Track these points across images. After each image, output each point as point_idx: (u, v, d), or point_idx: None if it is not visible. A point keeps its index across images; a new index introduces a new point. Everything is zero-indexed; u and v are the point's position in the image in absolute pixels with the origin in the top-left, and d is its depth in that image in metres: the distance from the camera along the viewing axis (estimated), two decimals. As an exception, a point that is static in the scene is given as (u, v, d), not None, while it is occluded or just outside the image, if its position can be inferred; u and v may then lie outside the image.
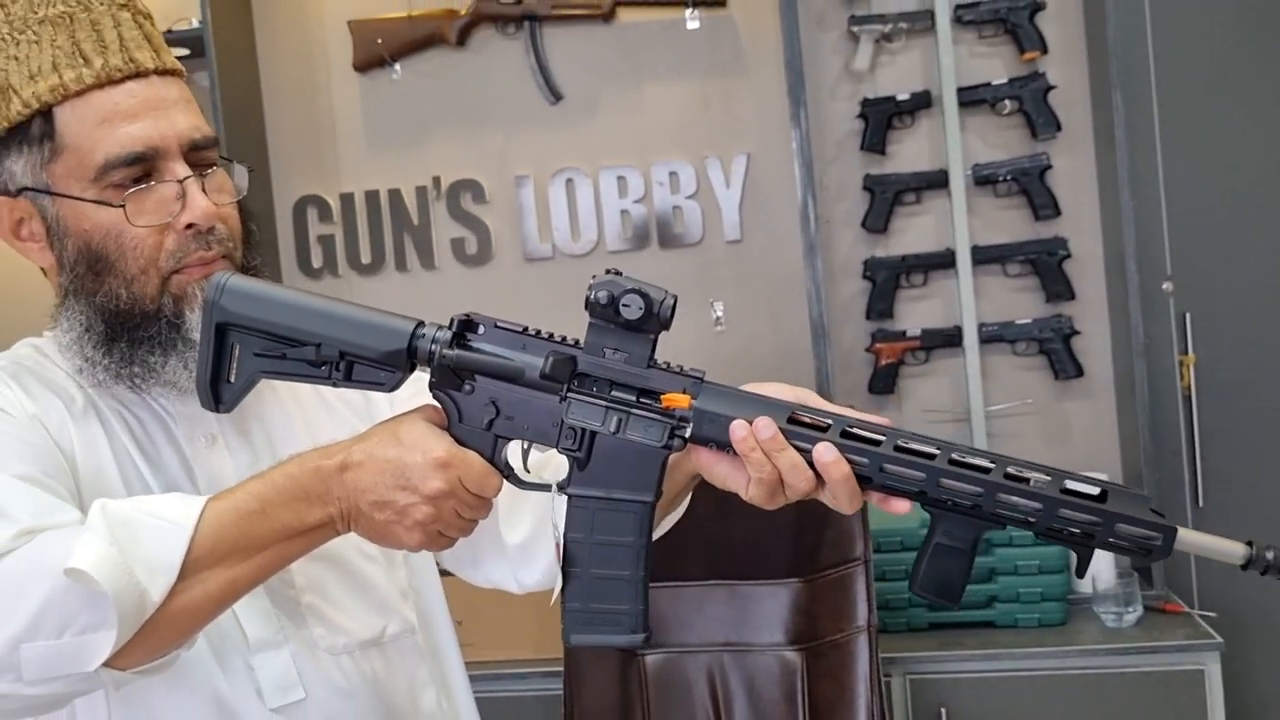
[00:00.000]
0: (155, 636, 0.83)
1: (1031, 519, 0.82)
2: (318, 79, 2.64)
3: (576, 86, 2.56)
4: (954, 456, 0.82)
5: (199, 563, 0.84)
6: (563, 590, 0.90)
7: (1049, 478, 0.82)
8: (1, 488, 0.86)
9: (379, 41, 2.57)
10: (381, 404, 1.11)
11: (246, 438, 1.05)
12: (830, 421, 0.84)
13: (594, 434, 0.87)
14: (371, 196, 2.63)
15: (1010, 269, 2.41)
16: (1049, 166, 2.36)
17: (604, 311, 0.85)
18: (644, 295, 0.84)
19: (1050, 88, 2.35)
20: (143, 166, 0.95)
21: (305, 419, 1.09)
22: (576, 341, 0.89)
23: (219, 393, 0.91)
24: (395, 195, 2.62)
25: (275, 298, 0.89)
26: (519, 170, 2.59)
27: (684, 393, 0.85)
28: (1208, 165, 2.38)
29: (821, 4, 2.47)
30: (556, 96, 2.56)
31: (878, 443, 0.83)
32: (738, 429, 0.84)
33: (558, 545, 0.90)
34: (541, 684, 2.15)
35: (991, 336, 2.41)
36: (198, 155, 0.98)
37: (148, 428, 1.01)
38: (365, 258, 2.64)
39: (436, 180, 2.61)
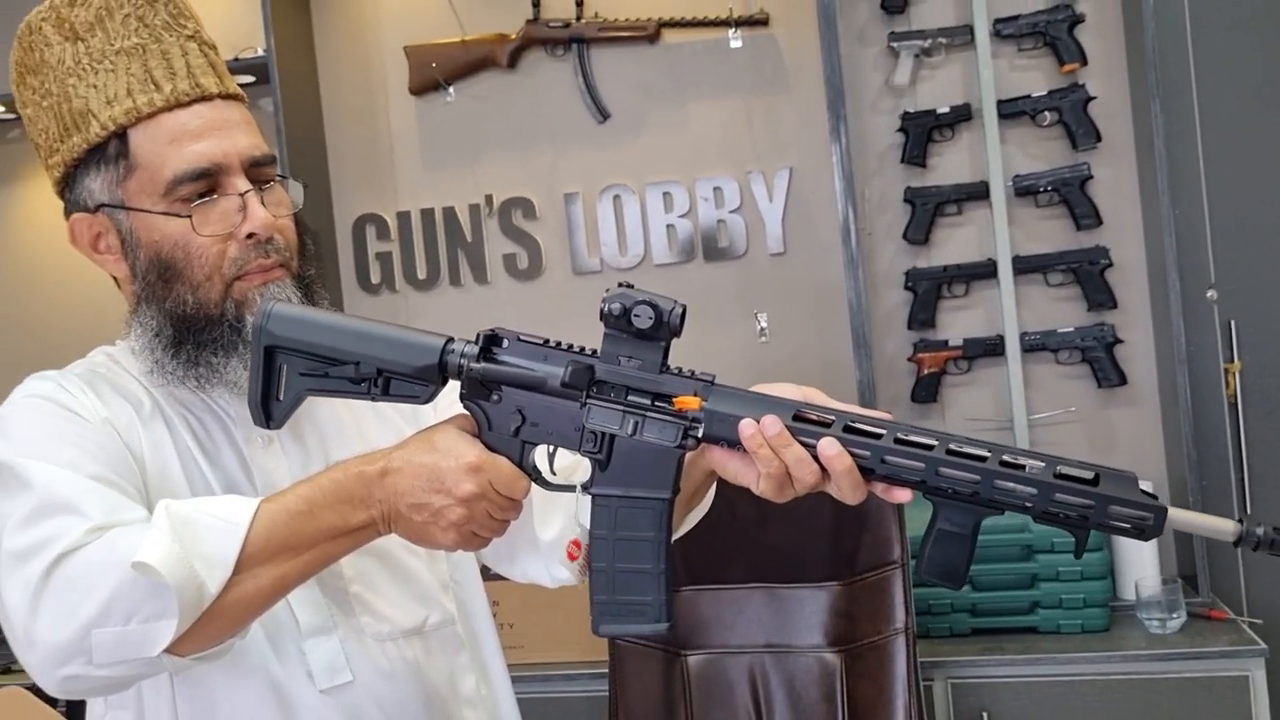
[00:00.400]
0: (212, 626, 0.91)
1: (1028, 504, 0.86)
2: (376, 103, 2.75)
3: (623, 106, 2.64)
4: (951, 447, 0.87)
5: (252, 559, 0.91)
6: (590, 584, 0.96)
7: (1043, 464, 0.85)
8: (76, 487, 0.94)
9: (434, 66, 2.67)
10: (426, 411, 1.17)
11: (300, 441, 1.13)
12: (833, 418, 0.89)
13: (613, 437, 0.93)
14: (427, 214, 2.73)
15: (1052, 278, 2.44)
16: (1090, 176, 2.39)
17: (617, 322, 0.92)
18: (654, 306, 0.90)
19: (1090, 99, 2.38)
20: (207, 182, 1.04)
21: (356, 423, 1.17)
22: (594, 351, 0.94)
23: (269, 410, 0.98)
24: (450, 213, 2.72)
25: (316, 321, 0.97)
26: (568, 187, 2.67)
27: (695, 395, 0.91)
28: (1251, 173, 2.39)
29: (862, 21, 2.52)
30: (604, 116, 2.64)
31: (879, 436, 0.88)
32: (746, 427, 0.89)
33: (578, 543, 0.97)
34: (588, 685, 2.21)
35: (1034, 345, 2.43)
36: (257, 171, 1.07)
37: (209, 429, 1.10)
38: (421, 273, 2.73)
39: (489, 198, 2.71)
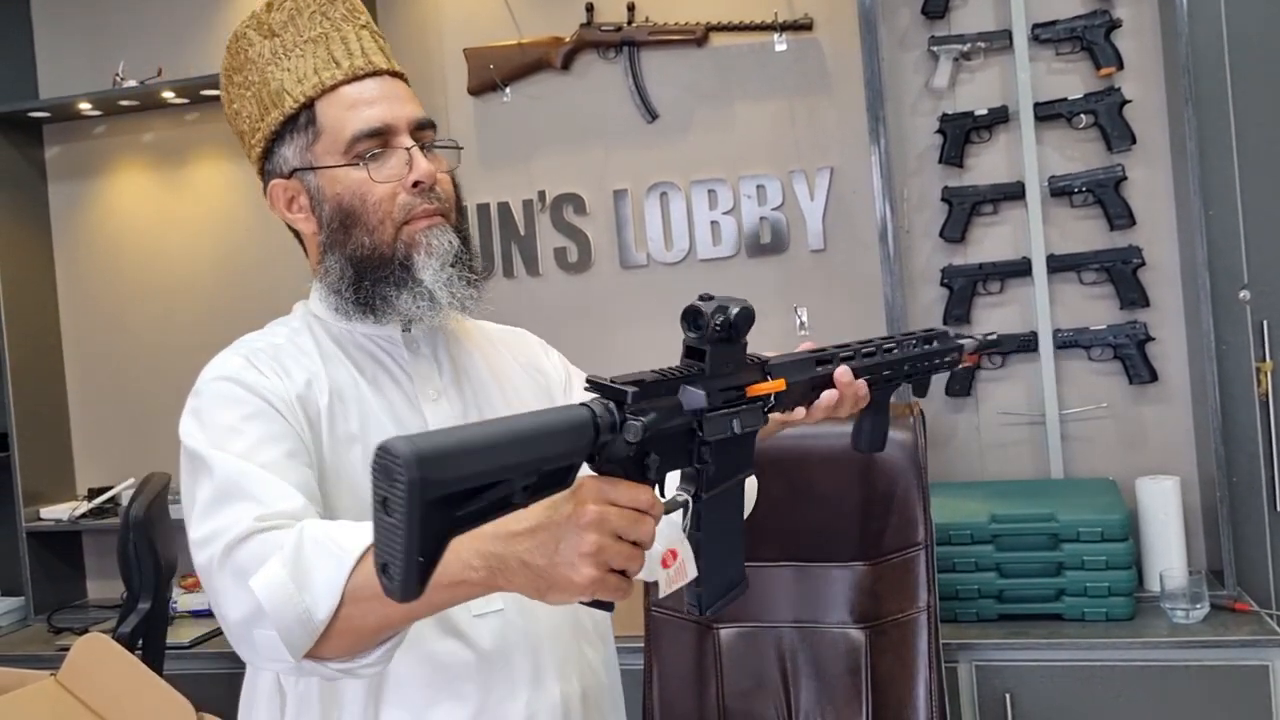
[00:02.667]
0: (339, 644, 0.99)
1: (906, 368, 1.19)
2: (436, 102, 2.88)
3: (672, 106, 2.75)
4: (883, 347, 1.17)
5: (359, 591, 0.96)
6: (696, 582, 0.97)
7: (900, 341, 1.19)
8: (247, 477, 1.07)
9: (491, 67, 2.81)
10: (555, 375, 1.37)
11: (460, 394, 1.26)
12: (834, 353, 1.13)
13: (722, 441, 0.96)
14: (483, 209, 2.85)
15: (1085, 277, 2.50)
16: (1124, 178, 2.44)
17: (701, 333, 0.94)
18: (727, 311, 0.95)
19: (1125, 102, 2.44)
20: (380, 140, 1.18)
21: (498, 379, 1.30)
22: (688, 369, 0.94)
23: (425, 575, 0.78)
24: (504, 207, 2.84)
25: (465, 444, 0.78)
26: (617, 184, 2.79)
27: (768, 377, 1.02)
28: (1286, 176, 2.43)
29: (903, 25, 2.60)
30: (653, 115, 2.75)
31: (851, 358, 1.14)
32: (842, 375, 1.11)
33: (674, 551, 0.98)
34: (625, 658, 2.29)
35: (1067, 342, 2.50)
36: (420, 134, 1.21)
37: (382, 386, 1.21)
38: (475, 264, 2.85)
39: (541, 194, 2.83)
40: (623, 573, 0.89)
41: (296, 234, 1.27)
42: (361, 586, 0.96)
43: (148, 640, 2.20)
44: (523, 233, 2.84)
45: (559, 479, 0.85)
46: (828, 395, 1.11)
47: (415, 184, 1.18)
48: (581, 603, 0.90)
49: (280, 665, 1.01)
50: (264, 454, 1.09)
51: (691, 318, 0.95)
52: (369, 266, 1.18)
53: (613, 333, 2.80)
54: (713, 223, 2.73)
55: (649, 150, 2.76)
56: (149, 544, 2.14)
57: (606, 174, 2.80)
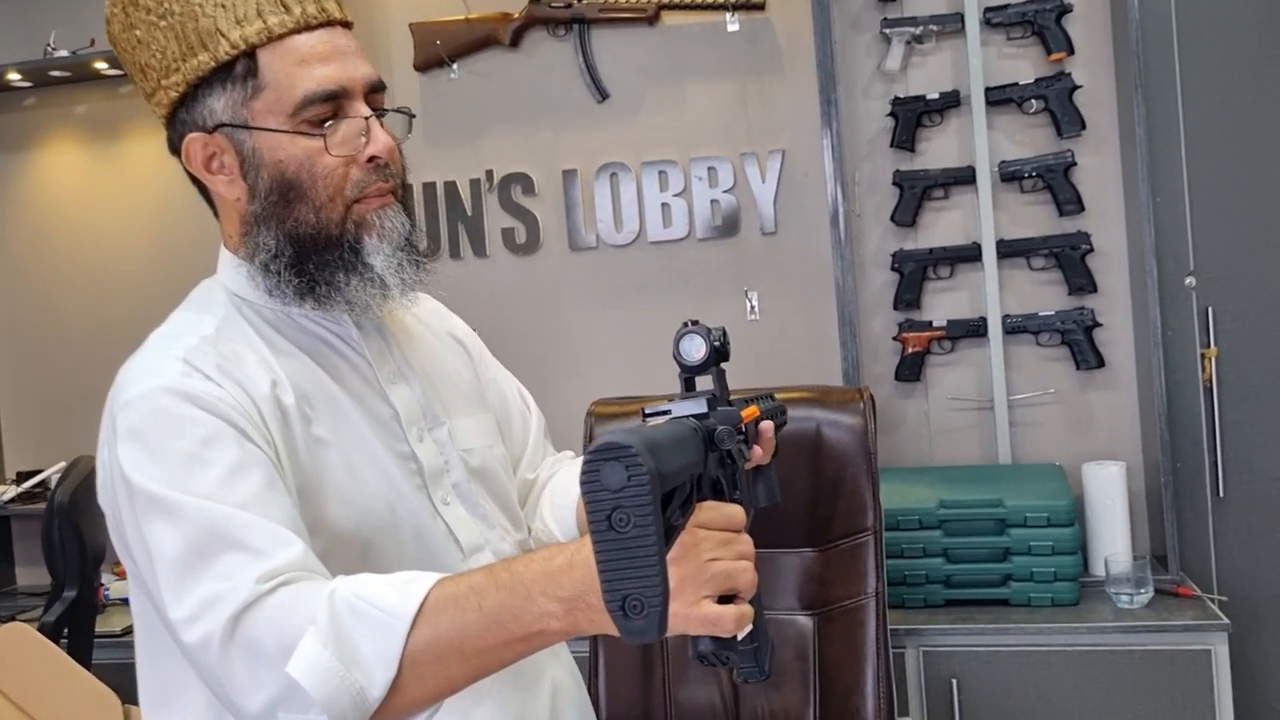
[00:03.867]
0: (388, 715, 0.89)
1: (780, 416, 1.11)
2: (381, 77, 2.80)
3: (622, 85, 2.70)
4: (770, 402, 1.09)
5: (417, 659, 0.87)
6: (750, 638, 0.88)
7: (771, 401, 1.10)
8: (235, 523, 0.92)
9: (438, 43, 2.74)
10: (471, 345, 1.31)
11: (413, 372, 1.18)
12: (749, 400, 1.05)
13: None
14: (429, 188, 2.79)
15: (1034, 262, 2.50)
16: (1073, 163, 2.44)
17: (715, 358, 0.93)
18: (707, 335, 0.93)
19: (1075, 87, 2.43)
20: (334, 105, 1.05)
21: (432, 351, 1.24)
22: (715, 394, 0.92)
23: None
24: (451, 187, 2.79)
25: (655, 439, 0.73)
26: (566, 164, 2.74)
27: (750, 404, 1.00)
28: (1232, 163, 2.44)
29: (856, 7, 2.58)
30: (603, 95, 2.71)
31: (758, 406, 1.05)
32: (766, 429, 1.04)
33: None
34: (571, 647, 2.27)
35: (1015, 327, 2.49)
36: (373, 98, 1.09)
37: (341, 372, 1.12)
38: (421, 245, 2.79)
39: (489, 173, 2.77)
40: (732, 599, 0.82)
41: (204, 193, 1.14)
42: (419, 654, 0.88)
43: (75, 629, 2.13)
44: (470, 213, 2.79)
45: (691, 494, 0.79)
46: (766, 427, 1.04)
47: (371, 159, 1.07)
48: (697, 655, 0.82)
49: None
50: (240, 489, 0.94)
51: (693, 337, 0.92)
52: (313, 247, 1.06)
53: (561, 316, 2.76)
54: (663, 204, 2.69)
55: (599, 130, 2.72)
56: (74, 530, 2.07)
57: (556, 154, 2.75)
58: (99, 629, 2.32)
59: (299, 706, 0.88)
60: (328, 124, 1.05)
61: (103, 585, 2.53)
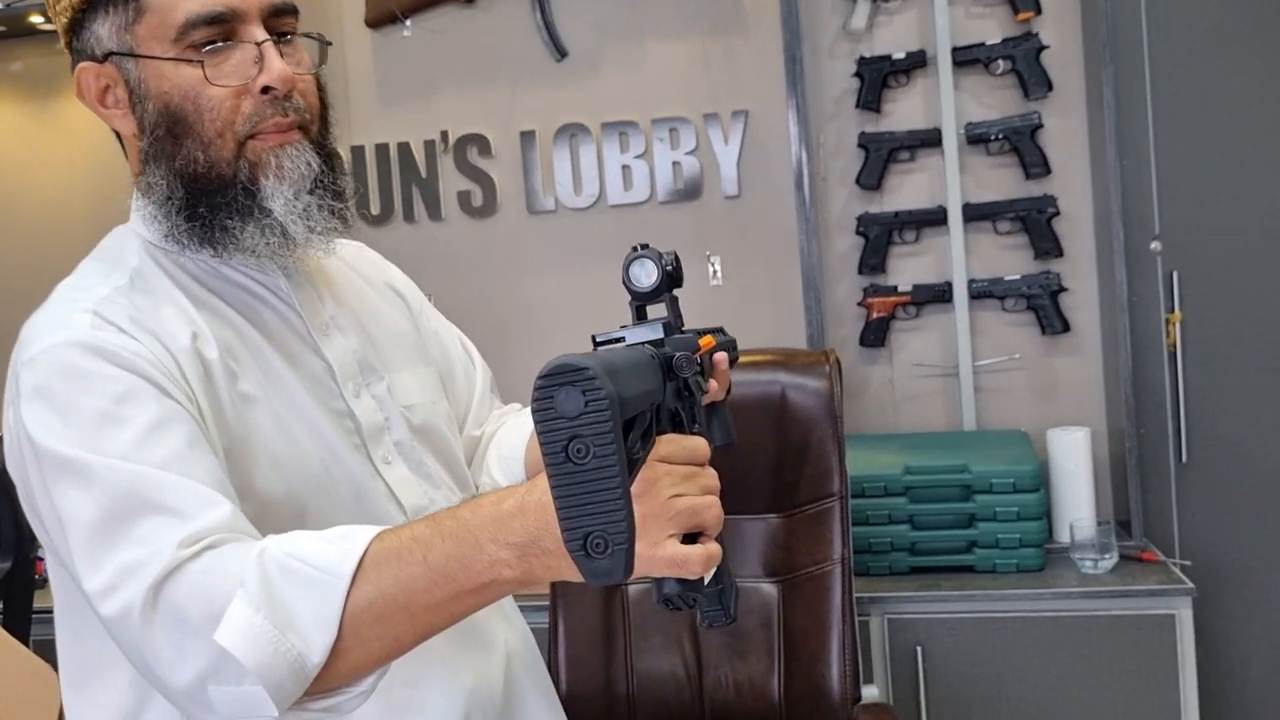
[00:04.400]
0: (330, 682, 0.83)
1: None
2: (330, 34, 2.70)
3: (581, 44, 2.63)
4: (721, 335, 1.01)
5: (359, 618, 0.81)
6: (715, 580, 0.84)
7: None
8: (154, 484, 0.85)
9: (391, -2, 2.65)
10: (411, 298, 1.23)
11: (347, 322, 1.11)
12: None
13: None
14: (381, 149, 2.71)
15: (1000, 226, 2.46)
16: (1040, 126, 2.41)
17: (668, 284, 0.88)
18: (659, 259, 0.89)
19: (1043, 48, 2.39)
20: (223, 29, 0.97)
21: (367, 299, 1.17)
22: (670, 322, 0.88)
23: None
24: (404, 148, 2.70)
25: (612, 363, 0.68)
26: (524, 125, 2.66)
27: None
28: (1198, 127, 2.42)
29: (821, -35, 2.52)
30: (562, 54, 2.63)
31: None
32: (721, 361, 0.98)
33: None
34: (530, 617, 2.22)
35: (981, 292, 2.46)
36: (277, 22, 1.00)
37: (267, 323, 1.03)
38: (375, 209, 2.72)
39: (444, 134, 2.69)
40: (696, 539, 0.77)
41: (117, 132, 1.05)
42: (361, 613, 0.81)
43: (10, 604, 2.04)
44: (424, 175, 2.71)
45: (651, 425, 0.74)
46: (721, 358, 0.99)
47: (265, 90, 0.98)
48: (662, 599, 0.77)
49: None
50: (159, 448, 0.87)
51: (644, 262, 0.86)
52: (204, 189, 0.98)
53: (519, 281, 2.69)
54: (624, 167, 2.63)
55: (557, 90, 2.64)
56: (8, 499, 1.98)
57: (513, 115, 2.67)
58: (37, 604, 2.23)
59: (231, 677, 0.81)
60: (208, 48, 0.97)
61: (40, 559, 2.44)
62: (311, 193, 1.00)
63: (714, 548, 0.77)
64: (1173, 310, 2.43)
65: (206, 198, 0.98)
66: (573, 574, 0.75)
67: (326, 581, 0.81)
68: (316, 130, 1.03)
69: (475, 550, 0.80)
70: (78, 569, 0.86)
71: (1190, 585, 2.10)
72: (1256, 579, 2.44)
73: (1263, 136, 2.40)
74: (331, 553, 0.83)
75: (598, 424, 0.59)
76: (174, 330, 0.96)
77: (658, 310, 0.89)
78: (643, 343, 0.81)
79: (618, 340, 0.82)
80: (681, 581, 0.76)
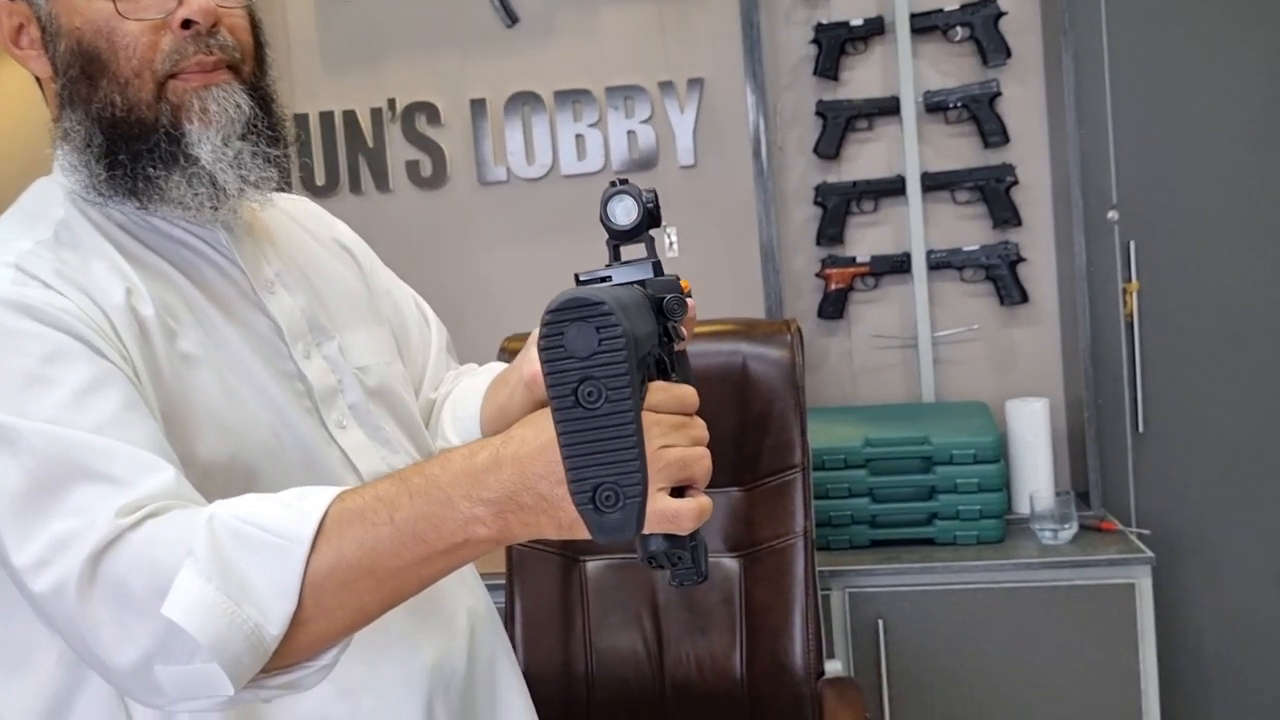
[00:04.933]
0: (290, 657, 0.78)
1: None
2: (272, -2, 2.62)
3: (532, 9, 2.56)
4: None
5: (321, 585, 0.75)
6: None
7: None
8: (88, 449, 0.79)
9: (334, -39, 2.56)
10: (361, 255, 1.17)
11: (293, 279, 1.04)
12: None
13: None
14: (326, 118, 2.62)
15: (959, 196, 2.44)
16: (998, 93, 2.38)
17: (648, 222, 0.82)
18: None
19: (1001, 14, 2.37)
20: None
21: (313, 255, 1.10)
22: (656, 261, 0.83)
23: None
24: (350, 116, 2.62)
25: (629, 300, 0.68)
26: (474, 93, 2.59)
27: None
28: (1155, 95, 2.41)
29: (778, -71, 2.47)
30: (513, 19, 2.56)
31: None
32: (693, 307, 0.87)
33: None
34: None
35: (939, 263, 2.44)
36: None
37: (209, 281, 0.97)
38: (320, 179, 2.63)
39: (391, 102, 2.61)
40: (683, 492, 0.72)
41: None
42: (323, 580, 0.75)
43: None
44: (371, 145, 2.62)
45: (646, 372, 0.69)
46: (693, 305, 0.91)
47: (186, 24, 0.90)
48: (647, 556, 0.72)
49: (202, 703, 0.77)
50: (92, 410, 0.80)
51: (623, 198, 0.80)
52: (124, 134, 0.91)
53: (471, 253, 2.62)
54: (577, 136, 2.57)
55: (509, 57, 2.57)
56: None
57: (463, 82, 2.59)
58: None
59: (180, 655, 0.75)
60: None
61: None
62: (243, 138, 0.93)
63: (705, 501, 0.73)
64: (1130, 280, 2.42)
65: (127, 144, 0.91)
66: (553, 530, 0.72)
67: (284, 547, 0.75)
68: (249, 70, 0.96)
69: (447, 508, 0.75)
70: (4, 543, 0.79)
71: (1150, 554, 2.10)
72: (1211, 547, 2.46)
73: (1219, 105, 2.40)
74: (289, 515, 0.77)
75: (613, 364, 0.55)
76: (105, 286, 0.90)
77: (635, 252, 0.84)
78: (630, 282, 0.76)
79: (604, 279, 0.77)
80: (669, 538, 0.72)
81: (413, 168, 2.62)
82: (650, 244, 0.83)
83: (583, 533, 0.66)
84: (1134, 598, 2.09)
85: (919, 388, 2.47)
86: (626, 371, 0.56)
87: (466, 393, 1.17)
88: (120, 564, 0.76)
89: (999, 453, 2.19)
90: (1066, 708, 2.09)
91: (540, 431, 0.73)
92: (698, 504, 0.72)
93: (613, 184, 0.82)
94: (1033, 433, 2.29)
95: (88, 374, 0.83)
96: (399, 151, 2.62)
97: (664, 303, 0.75)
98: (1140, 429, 2.44)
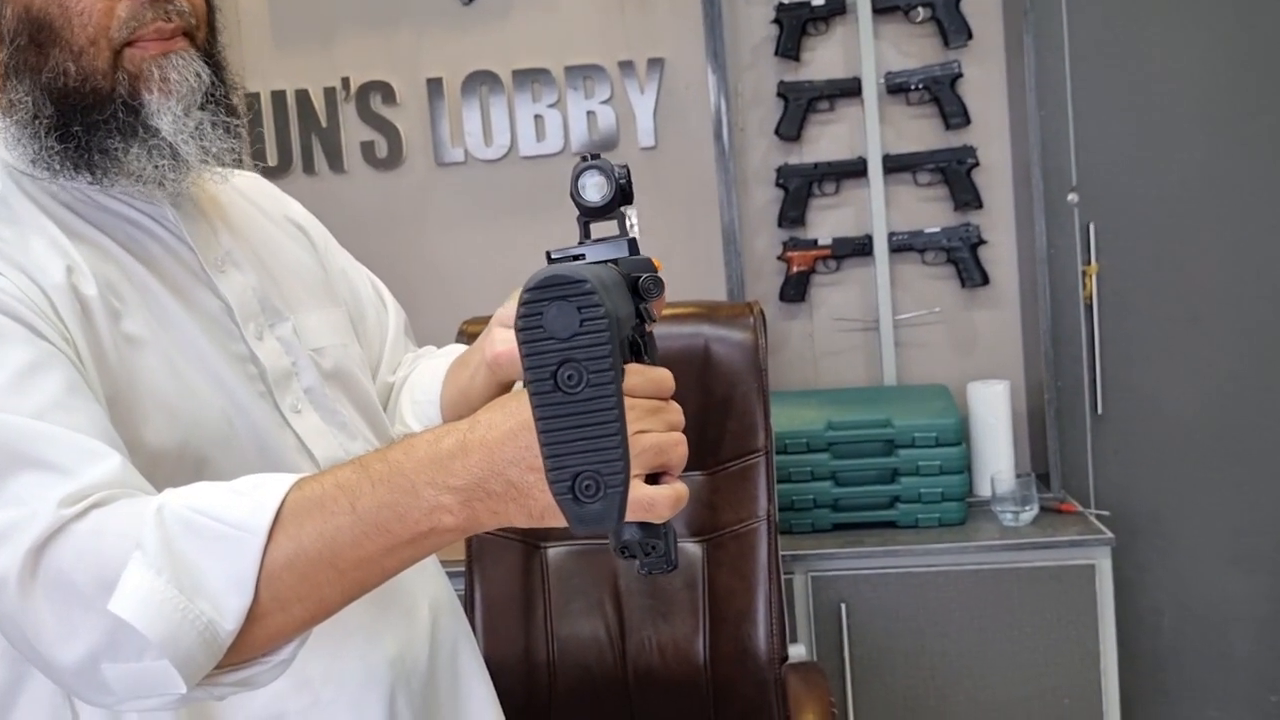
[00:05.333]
0: (245, 653, 0.74)
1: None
2: (221, -27, 2.55)
3: (490, -13, 2.51)
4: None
5: (278, 577, 0.72)
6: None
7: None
8: (28, 435, 0.75)
9: (285, -64, 2.49)
10: (315, 233, 1.13)
11: (244, 257, 1.00)
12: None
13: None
14: (278, 96, 2.56)
15: (920, 178, 2.43)
16: (960, 75, 2.37)
17: (620, 199, 0.80)
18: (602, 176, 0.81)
19: (963, -6, 2.36)
20: None
21: (264, 232, 1.06)
22: (632, 239, 0.80)
23: None
24: (303, 96, 2.55)
25: (609, 279, 0.67)
26: (431, 72, 2.54)
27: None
28: (1115, 77, 2.41)
29: (738, -93, 2.44)
30: (469, -3, 2.51)
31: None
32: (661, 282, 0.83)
33: None
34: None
35: (901, 245, 2.43)
36: None
37: (157, 259, 0.93)
38: (272, 159, 2.57)
39: (345, 81, 2.55)
40: (658, 479, 0.70)
41: None
42: (281, 572, 0.71)
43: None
44: (324, 124, 2.56)
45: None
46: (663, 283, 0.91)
47: None
48: (620, 546, 0.69)
49: (153, 702, 0.73)
50: (33, 394, 0.77)
51: (594, 174, 0.78)
52: (78, 105, 0.87)
53: (427, 236, 2.57)
54: (536, 116, 2.52)
55: (466, 35, 2.52)
56: None
57: (419, 60, 2.54)
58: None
59: (129, 652, 0.71)
60: None
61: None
62: (203, 108, 0.90)
63: (681, 488, 0.70)
64: (1089, 262, 2.43)
65: (81, 115, 0.88)
66: (523, 519, 0.69)
67: (238, 537, 0.72)
68: (203, 37, 0.93)
69: (411, 496, 0.71)
70: None
71: (1110, 535, 2.10)
72: (1168, 527, 2.48)
73: (1179, 87, 2.41)
74: (243, 505, 0.73)
75: (595, 346, 0.52)
76: (45, 264, 0.85)
77: (606, 229, 0.81)
78: (604, 261, 0.73)
79: (578, 258, 0.74)
80: (643, 526, 0.69)
81: (368, 148, 2.56)
82: (622, 221, 0.80)
83: (556, 521, 0.64)
84: (1094, 579, 2.10)
85: (880, 370, 2.46)
86: (609, 354, 0.53)
87: (426, 376, 1.13)
88: (64, 557, 0.72)
89: (961, 435, 2.18)
90: (1027, 688, 2.10)
91: (509, 415, 0.70)
92: (674, 491, 0.70)
93: (583, 159, 0.79)
94: (994, 415, 2.29)
95: (27, 356, 0.79)
96: (353, 132, 2.56)
97: (639, 282, 0.72)
98: (1099, 411, 2.45)
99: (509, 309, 1.00)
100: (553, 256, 0.76)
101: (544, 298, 0.53)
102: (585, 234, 0.80)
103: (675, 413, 0.73)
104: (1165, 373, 2.45)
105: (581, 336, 0.53)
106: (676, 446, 0.71)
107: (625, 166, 0.81)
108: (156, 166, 0.89)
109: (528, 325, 0.54)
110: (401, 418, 1.13)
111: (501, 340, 0.99)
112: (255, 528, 0.72)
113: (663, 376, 0.73)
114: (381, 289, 1.22)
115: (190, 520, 0.72)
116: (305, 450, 0.97)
